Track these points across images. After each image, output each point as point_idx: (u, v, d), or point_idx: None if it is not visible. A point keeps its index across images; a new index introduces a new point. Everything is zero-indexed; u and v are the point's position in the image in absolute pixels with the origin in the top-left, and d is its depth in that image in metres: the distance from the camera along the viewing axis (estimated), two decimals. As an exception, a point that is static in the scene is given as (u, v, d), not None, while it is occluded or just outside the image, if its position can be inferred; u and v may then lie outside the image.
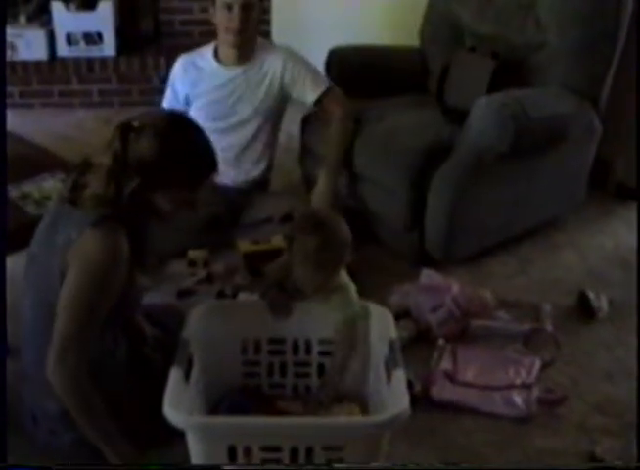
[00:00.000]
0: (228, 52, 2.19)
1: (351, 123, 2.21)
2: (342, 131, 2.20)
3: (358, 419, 1.37)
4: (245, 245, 2.10)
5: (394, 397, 1.30)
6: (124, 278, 1.31)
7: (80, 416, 1.29)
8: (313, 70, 2.23)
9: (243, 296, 1.94)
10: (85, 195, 1.32)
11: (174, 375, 1.27)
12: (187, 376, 1.31)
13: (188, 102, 2.21)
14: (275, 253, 2.08)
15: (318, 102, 2.21)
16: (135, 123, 1.31)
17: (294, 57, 2.22)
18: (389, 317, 1.50)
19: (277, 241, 2.11)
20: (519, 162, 2.17)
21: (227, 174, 2.20)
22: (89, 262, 1.26)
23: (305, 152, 2.53)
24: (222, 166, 2.13)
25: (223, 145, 2.04)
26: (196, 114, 2.15)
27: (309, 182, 2.34)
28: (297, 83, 2.18)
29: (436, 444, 1.59)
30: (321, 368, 1.54)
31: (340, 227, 1.49)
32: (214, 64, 2.21)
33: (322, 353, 1.53)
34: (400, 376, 1.33)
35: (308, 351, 1.53)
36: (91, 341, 1.29)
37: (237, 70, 2.19)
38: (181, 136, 1.31)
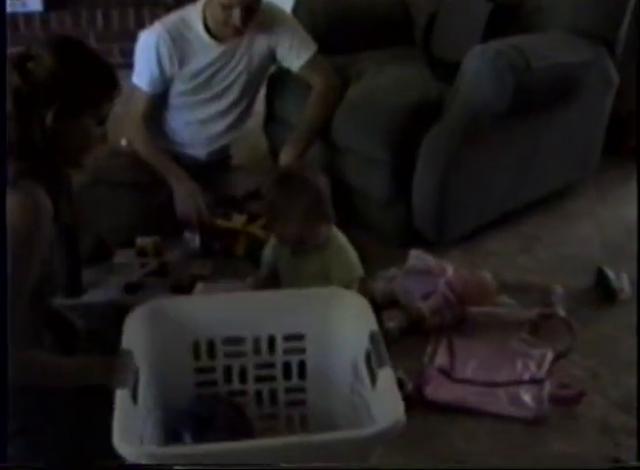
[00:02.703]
0: (226, 32, 2.15)
1: (334, 98, 2.22)
2: (321, 105, 2.21)
3: (341, 435, 1.30)
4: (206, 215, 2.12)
5: (383, 402, 1.25)
6: (47, 244, 1.30)
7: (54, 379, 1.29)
8: (301, 34, 2.24)
9: (201, 287, 1.93)
10: None
11: (120, 399, 1.20)
12: (135, 396, 1.25)
13: (172, 80, 2.21)
14: (233, 234, 2.12)
15: (302, 69, 2.24)
16: (28, 51, 1.32)
17: (284, 20, 2.24)
18: (367, 306, 1.46)
19: (238, 221, 2.10)
20: (521, 122, 2.14)
21: (193, 147, 2.29)
22: (10, 230, 1.24)
23: (272, 119, 2.51)
24: (190, 138, 2.28)
25: (202, 116, 2.24)
26: (178, 88, 2.21)
27: (276, 153, 2.32)
28: (283, 47, 2.21)
29: (433, 451, 1.56)
30: (287, 369, 1.51)
31: (312, 177, 1.62)
32: (206, 39, 2.16)
33: (288, 352, 1.50)
34: (388, 376, 1.27)
35: (272, 349, 1.49)
36: (18, 329, 1.25)
37: (231, 43, 2.19)
38: (79, 50, 1.37)
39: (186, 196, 2.13)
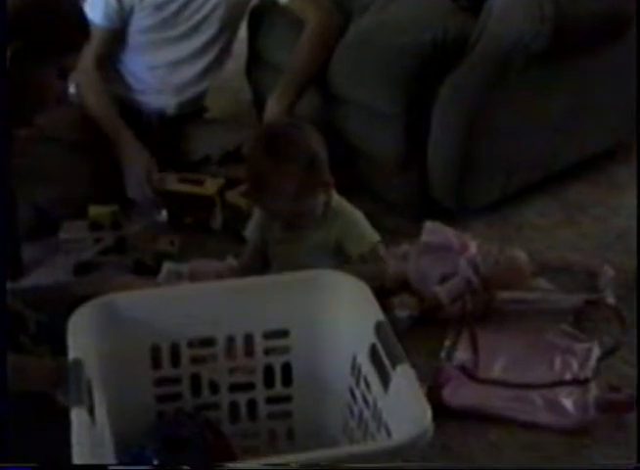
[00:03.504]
0: None
1: (332, 36, 2.23)
2: (315, 45, 2.22)
3: (353, 450, 1.29)
4: (169, 179, 2.16)
5: (401, 408, 1.24)
6: None
7: None
8: None
9: (169, 267, 1.94)
10: None
11: (77, 418, 1.21)
12: (92, 413, 1.26)
13: (131, 13, 2.22)
14: (205, 201, 2.14)
15: (291, 0, 2.26)
16: None
17: None
18: (368, 292, 1.43)
19: (211, 186, 2.11)
20: (561, 65, 2.15)
21: (159, 96, 2.31)
22: None
23: (255, 62, 2.51)
24: (157, 85, 2.30)
25: (170, 59, 2.26)
26: (140, 23, 2.22)
27: (261, 103, 2.31)
28: None
29: (451, 467, 1.57)
30: (269, 374, 1.50)
31: (305, 135, 1.64)
32: None
33: (270, 353, 1.51)
34: (407, 375, 1.27)
35: (249, 351, 1.50)
36: None
37: None
38: None
39: (137, 170, 2.15)
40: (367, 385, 1.36)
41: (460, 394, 1.67)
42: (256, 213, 1.79)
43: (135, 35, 2.21)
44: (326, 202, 1.70)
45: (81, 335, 1.36)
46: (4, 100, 1.31)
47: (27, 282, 1.94)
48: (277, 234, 1.75)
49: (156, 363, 1.47)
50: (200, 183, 2.14)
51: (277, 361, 1.49)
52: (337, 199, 1.74)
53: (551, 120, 2.23)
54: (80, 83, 2.22)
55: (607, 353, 1.77)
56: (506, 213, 2.24)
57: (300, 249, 1.72)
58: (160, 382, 1.49)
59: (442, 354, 1.77)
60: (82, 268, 2.00)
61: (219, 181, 2.14)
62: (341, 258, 1.72)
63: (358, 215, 1.74)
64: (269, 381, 1.51)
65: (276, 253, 1.77)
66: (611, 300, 1.91)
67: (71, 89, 2.22)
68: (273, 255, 1.78)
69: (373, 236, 1.73)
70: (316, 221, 1.70)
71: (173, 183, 2.15)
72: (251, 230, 1.80)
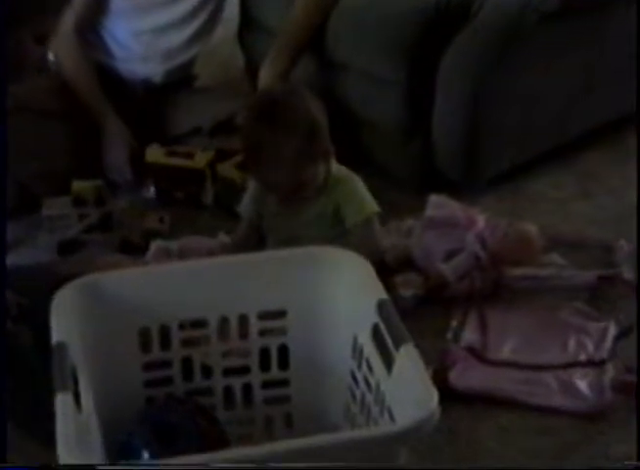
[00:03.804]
0: None
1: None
2: (312, 6, 2.21)
3: (354, 435, 1.31)
4: (155, 153, 2.15)
5: (405, 390, 1.24)
6: None
7: None
8: None
9: (158, 245, 1.94)
10: None
11: (62, 405, 1.21)
12: (78, 400, 1.26)
13: None
14: (195, 175, 2.14)
15: None
16: None
17: None
18: (370, 269, 1.43)
19: (202, 159, 2.11)
20: (575, 26, 2.15)
21: (145, 64, 2.31)
22: None
23: (247, 25, 2.52)
24: (142, 52, 2.29)
25: (156, 23, 2.25)
26: None
27: (254, 70, 2.30)
28: None
29: (461, 453, 1.56)
30: (265, 356, 1.51)
31: (303, 102, 1.65)
32: None
33: (265, 335, 1.51)
34: (411, 355, 1.27)
35: (244, 332, 1.50)
36: None
37: None
38: None
39: (116, 152, 2.16)
40: (369, 367, 1.36)
41: (468, 376, 1.67)
42: (251, 186, 1.79)
43: None
44: (326, 171, 1.70)
45: (65, 317, 1.36)
46: (4, 97, 1.31)
47: (8, 262, 1.89)
48: (273, 207, 1.75)
49: (144, 346, 1.47)
50: (189, 156, 2.13)
51: (273, 343, 1.49)
52: (337, 167, 1.74)
53: (564, 85, 2.22)
54: (59, 50, 2.20)
55: (624, 333, 1.77)
56: (516, 186, 2.24)
57: (299, 221, 1.73)
58: (149, 366, 1.49)
59: (449, 335, 1.78)
60: (66, 247, 1.99)
61: (210, 154, 2.13)
62: (340, 229, 1.73)
63: (358, 183, 1.75)
64: (265, 364, 1.51)
65: (272, 227, 1.77)
66: (627, 275, 1.91)
67: (50, 56, 2.22)
68: (269, 229, 1.78)
69: (371, 206, 1.74)
70: (316, 192, 1.71)
71: (161, 156, 2.14)
72: (245, 204, 1.80)
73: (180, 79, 2.36)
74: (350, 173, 1.76)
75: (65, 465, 1.19)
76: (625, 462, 1.48)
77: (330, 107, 1.74)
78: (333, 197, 1.72)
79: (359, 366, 1.41)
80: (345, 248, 1.49)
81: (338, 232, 1.72)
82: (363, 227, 1.73)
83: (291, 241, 1.69)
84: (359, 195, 1.73)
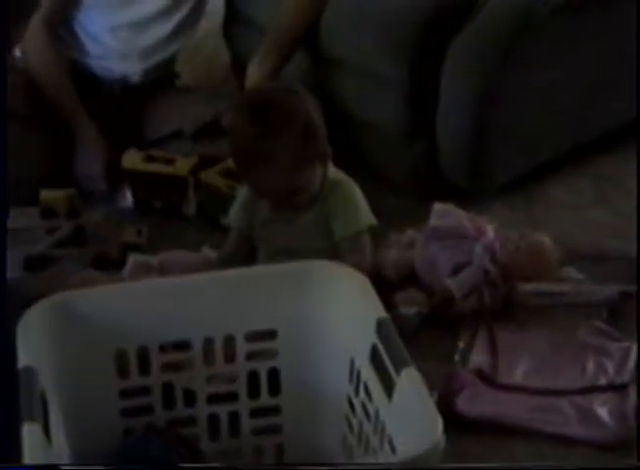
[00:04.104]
0: None
1: None
2: (306, 5, 2.23)
3: (356, 467, 1.31)
4: (132, 159, 2.15)
5: (407, 419, 1.24)
6: None
7: None
8: None
9: (136, 260, 1.94)
10: None
11: (30, 436, 1.20)
12: (47, 430, 1.25)
13: None
14: (177, 182, 2.13)
15: None
16: None
17: None
18: (368, 285, 1.43)
19: (184, 165, 2.11)
20: (590, 18, 2.16)
21: (122, 61, 2.32)
22: None
23: (234, 19, 2.56)
24: (119, 48, 2.30)
25: (134, 17, 2.26)
26: None
27: (241, 68, 2.32)
28: None
29: None
30: (253, 381, 1.50)
31: (298, 100, 1.66)
32: None
33: (254, 357, 1.51)
34: (413, 380, 1.27)
35: (230, 355, 1.49)
36: None
37: None
38: None
39: (88, 161, 2.17)
40: (367, 393, 1.36)
41: (477, 402, 1.67)
42: (241, 193, 1.80)
43: None
44: (323, 176, 1.71)
45: (33, 339, 1.36)
46: (4, 100, 1.28)
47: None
48: (265, 215, 1.75)
49: (121, 371, 1.47)
50: (170, 162, 2.13)
51: (263, 367, 1.49)
52: (333, 171, 1.75)
53: (578, 83, 2.22)
54: (27, 45, 2.21)
55: (647, 354, 1.79)
56: (529, 192, 2.24)
57: (293, 230, 1.73)
58: (126, 393, 1.49)
59: (456, 357, 1.78)
60: (34, 263, 1.98)
61: (193, 159, 2.13)
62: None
63: (354, 190, 1.76)
64: (254, 390, 1.51)
65: (264, 237, 1.78)
66: (651, 291, 1.93)
67: (17, 53, 2.24)
68: (260, 239, 1.78)
69: (364, 218, 1.74)
70: (312, 198, 1.71)
71: (139, 162, 2.14)
72: (234, 212, 1.81)
73: (160, 78, 2.37)
74: (347, 179, 1.77)
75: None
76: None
77: (324, 106, 1.74)
78: (327, 204, 1.73)
79: (357, 392, 1.40)
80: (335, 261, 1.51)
81: (330, 244, 1.73)
82: (351, 242, 1.73)
83: (285, 252, 1.70)
84: (352, 204, 1.74)
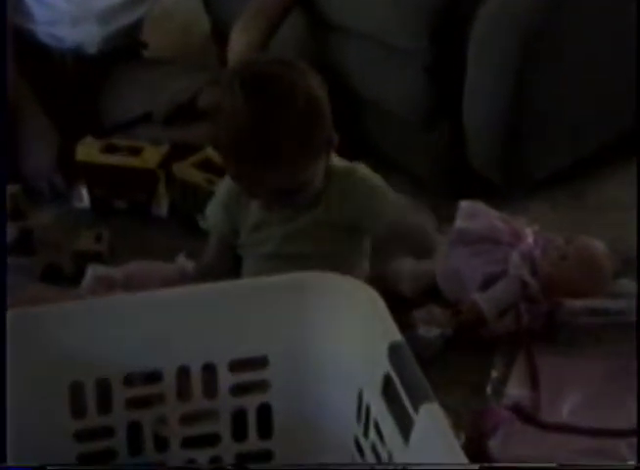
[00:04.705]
0: None
1: None
2: None
3: None
4: (89, 149, 2.17)
5: (429, 465, 1.23)
6: None
7: None
8: None
9: (95, 272, 1.96)
10: None
11: None
12: None
13: None
14: (144, 177, 2.14)
15: None
16: None
17: None
18: (380, 301, 1.43)
19: (153, 155, 2.12)
20: None
21: (77, 27, 2.35)
22: None
23: None
24: (73, 12, 2.33)
25: None
26: None
27: (223, 36, 2.35)
28: None
29: None
30: (239, 420, 1.51)
31: (299, 77, 1.64)
32: None
33: (240, 391, 1.51)
34: (435, 417, 1.26)
35: (211, 388, 1.50)
36: None
37: None
38: None
39: (37, 156, 2.19)
40: (379, 433, 1.37)
41: (514, 445, 1.67)
42: (221, 188, 1.79)
43: None
44: (326, 167, 1.71)
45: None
46: (4, 100, 1.29)
47: None
48: (256, 216, 1.75)
49: (77, 408, 1.47)
50: (136, 152, 2.14)
51: (251, 403, 1.50)
52: (336, 160, 1.75)
53: (630, 55, 2.20)
54: None
55: None
56: (576, 188, 2.26)
57: (293, 233, 1.74)
58: (83, 435, 1.49)
59: (488, 390, 1.79)
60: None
61: (164, 149, 2.14)
62: (342, 243, 1.75)
63: (372, 174, 1.77)
64: (240, 431, 1.51)
65: (253, 243, 1.78)
66: None
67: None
68: (248, 246, 1.78)
69: (398, 202, 1.78)
70: (313, 194, 1.71)
71: (97, 154, 2.15)
72: (214, 214, 1.80)
73: (123, 48, 2.38)
74: (355, 164, 1.77)
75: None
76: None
77: (326, 83, 1.73)
78: (343, 195, 1.74)
79: (366, 432, 1.41)
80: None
81: (339, 247, 1.74)
82: (402, 224, 1.78)
83: (278, 259, 1.70)
84: (379, 188, 1.76)
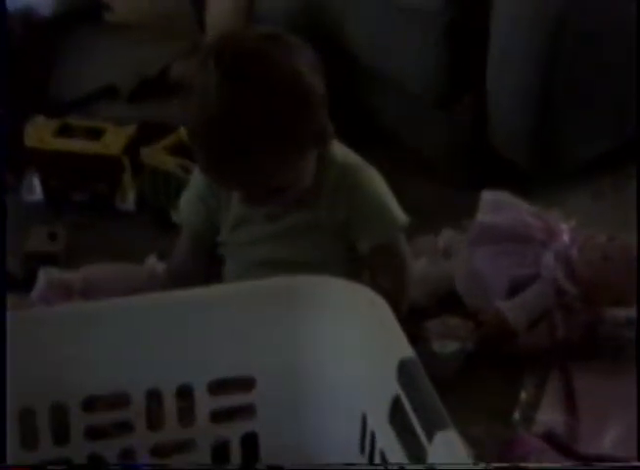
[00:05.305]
0: None
1: None
2: None
3: None
4: (41, 132, 2.18)
5: None
6: None
7: None
8: None
9: (49, 276, 1.97)
10: None
11: None
12: None
13: None
14: (107, 164, 2.15)
15: None
16: None
17: None
18: (387, 311, 1.43)
19: (117, 139, 2.13)
20: None
21: None
22: None
23: None
24: None
25: None
26: None
27: (201, 4, 2.36)
28: None
29: None
30: (220, 452, 1.51)
31: (288, 54, 1.64)
32: None
33: (221, 416, 1.51)
34: (452, 447, 1.25)
35: (187, 415, 1.50)
36: None
37: None
38: None
39: None
40: (384, 465, 1.37)
41: (546, 479, 1.69)
42: (196, 176, 1.79)
43: None
44: (321, 161, 1.71)
45: None
46: (4, 92, 1.35)
47: None
48: (236, 210, 1.75)
49: (28, 438, 1.48)
50: (96, 134, 2.15)
51: (234, 432, 1.51)
52: (341, 151, 1.75)
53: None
54: None
55: None
56: (618, 176, 2.28)
57: (279, 234, 1.75)
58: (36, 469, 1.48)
59: (516, 415, 1.80)
60: None
61: (130, 130, 2.15)
62: (342, 247, 1.76)
63: (375, 178, 1.78)
64: (222, 464, 1.51)
65: (234, 242, 1.79)
66: None
67: None
68: (228, 246, 1.80)
69: (397, 216, 1.77)
70: (304, 192, 1.71)
71: (50, 137, 2.16)
72: (188, 206, 1.81)
73: (81, 10, 2.40)
74: (361, 162, 1.77)
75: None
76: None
77: (324, 53, 1.73)
78: (337, 198, 1.75)
79: (371, 464, 1.42)
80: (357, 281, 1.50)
81: (339, 252, 1.75)
82: (388, 252, 1.75)
83: (265, 265, 1.71)
84: (378, 197, 1.77)
